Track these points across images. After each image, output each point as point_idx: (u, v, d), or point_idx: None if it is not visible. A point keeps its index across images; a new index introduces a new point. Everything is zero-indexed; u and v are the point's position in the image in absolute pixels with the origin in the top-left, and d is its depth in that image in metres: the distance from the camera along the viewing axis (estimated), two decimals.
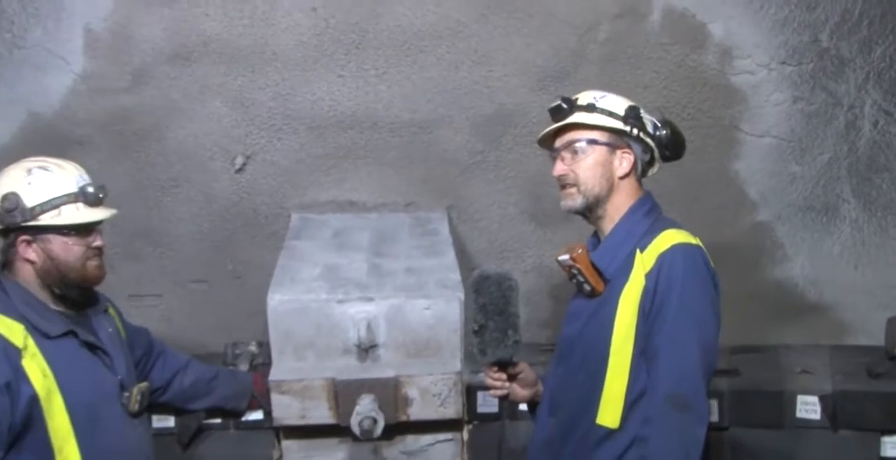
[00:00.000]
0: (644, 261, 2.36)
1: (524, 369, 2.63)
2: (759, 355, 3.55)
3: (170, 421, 3.19)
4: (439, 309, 3.00)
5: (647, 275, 2.34)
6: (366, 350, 3.01)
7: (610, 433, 2.40)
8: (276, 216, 3.71)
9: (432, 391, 2.96)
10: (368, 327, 2.98)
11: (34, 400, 2.40)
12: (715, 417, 3.25)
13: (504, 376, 2.60)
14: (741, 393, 3.31)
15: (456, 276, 3.13)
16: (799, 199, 3.70)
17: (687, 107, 3.63)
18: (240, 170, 3.64)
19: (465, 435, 3.18)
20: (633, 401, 2.38)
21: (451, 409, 2.99)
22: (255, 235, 3.72)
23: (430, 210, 3.74)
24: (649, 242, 2.39)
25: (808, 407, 3.33)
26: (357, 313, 2.99)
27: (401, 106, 3.64)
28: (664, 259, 2.33)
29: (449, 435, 3.12)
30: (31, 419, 2.41)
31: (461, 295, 3.00)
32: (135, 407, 2.67)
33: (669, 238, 2.37)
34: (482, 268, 2.50)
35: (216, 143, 3.61)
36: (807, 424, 3.31)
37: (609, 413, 2.41)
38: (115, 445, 2.60)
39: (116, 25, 3.48)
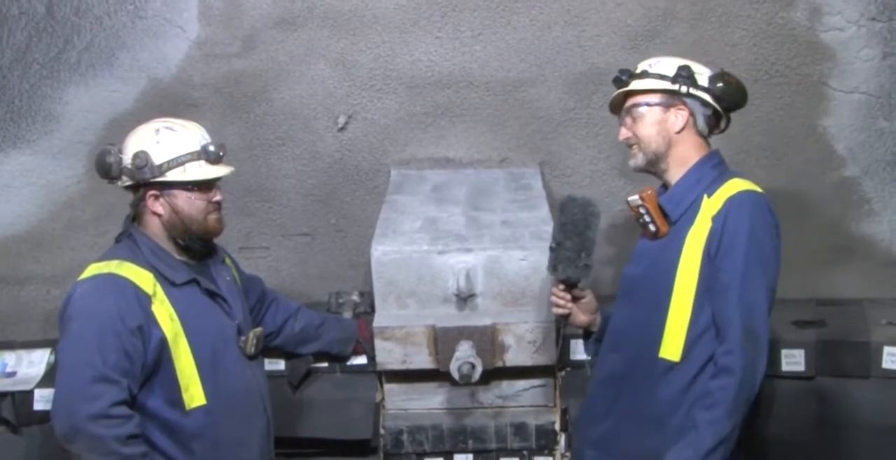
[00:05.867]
0: (711, 205, 2.45)
1: (589, 295, 2.72)
2: (844, 307, 3.52)
3: (281, 365, 3.28)
4: (535, 259, 3.04)
5: (714, 218, 2.43)
6: (465, 299, 3.09)
7: (672, 366, 2.48)
8: (376, 172, 3.78)
9: (527, 338, 3.03)
10: (467, 277, 3.06)
11: (163, 342, 2.55)
12: (801, 367, 3.25)
13: (569, 296, 2.68)
14: (827, 343, 3.27)
15: (550, 229, 3.11)
16: (887, 155, 3.66)
17: (776, 64, 3.61)
18: (342, 129, 3.73)
19: (559, 380, 3.24)
20: (695, 337, 2.46)
21: (546, 356, 3.06)
22: (357, 191, 3.79)
23: (523, 166, 3.77)
24: (716, 189, 2.48)
25: (894, 358, 3.32)
26: (456, 264, 3.08)
27: (495, 65, 3.69)
28: (732, 202, 2.42)
29: (542, 381, 3.21)
30: (161, 359, 2.55)
31: None
32: (251, 349, 2.78)
33: (737, 185, 2.47)
34: (571, 193, 2.63)
35: (320, 104, 3.70)
36: (892, 375, 3.27)
37: (671, 346, 2.48)
38: (234, 384, 2.72)
39: None
